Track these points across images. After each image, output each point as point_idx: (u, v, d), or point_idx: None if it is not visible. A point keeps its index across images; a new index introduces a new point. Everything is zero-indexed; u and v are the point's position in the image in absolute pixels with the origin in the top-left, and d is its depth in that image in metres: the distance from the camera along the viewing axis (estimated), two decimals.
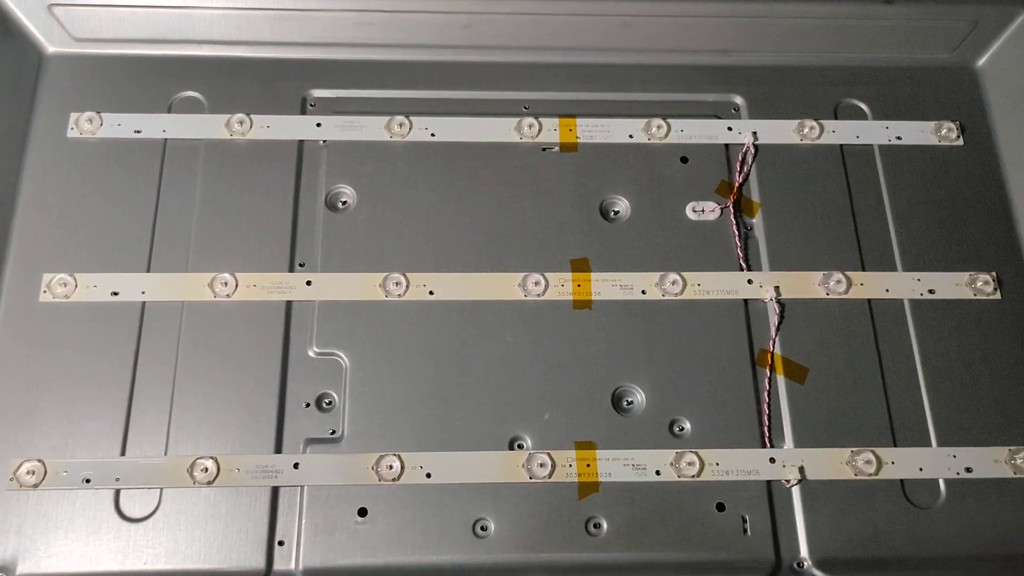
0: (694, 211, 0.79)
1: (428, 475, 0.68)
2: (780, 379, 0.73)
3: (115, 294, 0.73)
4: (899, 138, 0.83)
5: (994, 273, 0.77)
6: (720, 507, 0.69)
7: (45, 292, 0.73)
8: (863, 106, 0.85)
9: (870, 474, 0.69)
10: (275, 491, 0.68)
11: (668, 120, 0.82)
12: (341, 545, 0.66)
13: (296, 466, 0.68)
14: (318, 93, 0.83)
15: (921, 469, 0.70)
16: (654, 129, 0.81)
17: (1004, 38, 0.85)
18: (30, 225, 0.76)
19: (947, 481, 0.70)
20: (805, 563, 0.67)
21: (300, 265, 0.76)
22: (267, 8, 0.81)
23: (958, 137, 0.83)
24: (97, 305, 0.73)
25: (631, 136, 0.82)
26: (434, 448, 0.69)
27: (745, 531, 0.68)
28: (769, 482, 0.70)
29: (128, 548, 0.66)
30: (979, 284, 0.76)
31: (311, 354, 0.72)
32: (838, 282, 0.75)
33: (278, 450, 0.69)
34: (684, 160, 0.81)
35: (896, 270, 0.77)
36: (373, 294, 0.74)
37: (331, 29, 0.82)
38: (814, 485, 0.69)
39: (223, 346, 0.72)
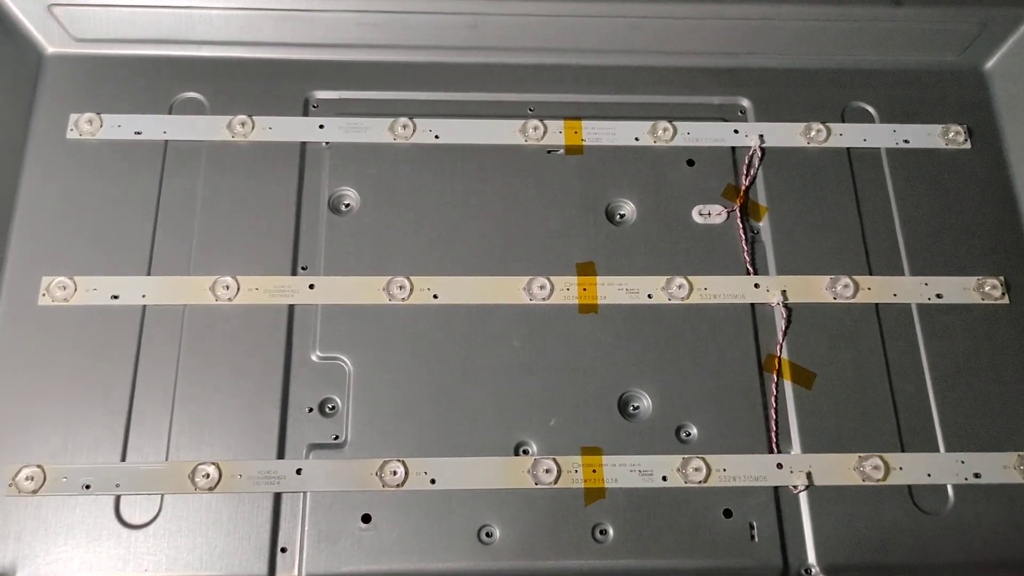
0: (700, 214, 0.78)
1: (432, 481, 0.68)
2: (787, 384, 0.73)
3: (115, 297, 0.73)
4: (906, 141, 0.82)
5: (1002, 277, 0.77)
6: (727, 513, 0.68)
7: (44, 295, 0.72)
8: (870, 109, 0.84)
9: (878, 480, 0.69)
10: (277, 497, 0.67)
11: (674, 123, 0.81)
12: (344, 552, 0.66)
13: (299, 472, 0.68)
14: (321, 94, 0.82)
15: (929, 475, 0.70)
16: (660, 132, 0.81)
17: (1013, 40, 0.84)
18: (29, 227, 0.75)
19: (955, 487, 0.70)
20: (813, 569, 0.67)
21: (303, 268, 0.75)
22: (269, 8, 0.80)
23: (966, 140, 0.82)
24: (97, 308, 0.72)
25: (637, 139, 0.81)
26: (438, 454, 0.69)
27: (752, 537, 0.67)
28: (776, 488, 0.69)
29: (129, 555, 0.65)
30: (987, 288, 0.76)
31: (314, 358, 0.72)
32: (845, 286, 0.75)
33: (280, 456, 0.69)
34: (690, 163, 0.81)
35: (903, 274, 0.77)
36: (377, 298, 0.74)
37: (334, 29, 0.82)
38: (822, 491, 0.69)
39: (225, 350, 0.71)
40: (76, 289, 0.73)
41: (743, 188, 0.79)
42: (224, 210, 0.76)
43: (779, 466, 0.69)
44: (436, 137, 0.80)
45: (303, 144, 0.79)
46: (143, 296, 0.73)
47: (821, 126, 0.82)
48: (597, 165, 0.80)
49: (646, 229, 0.78)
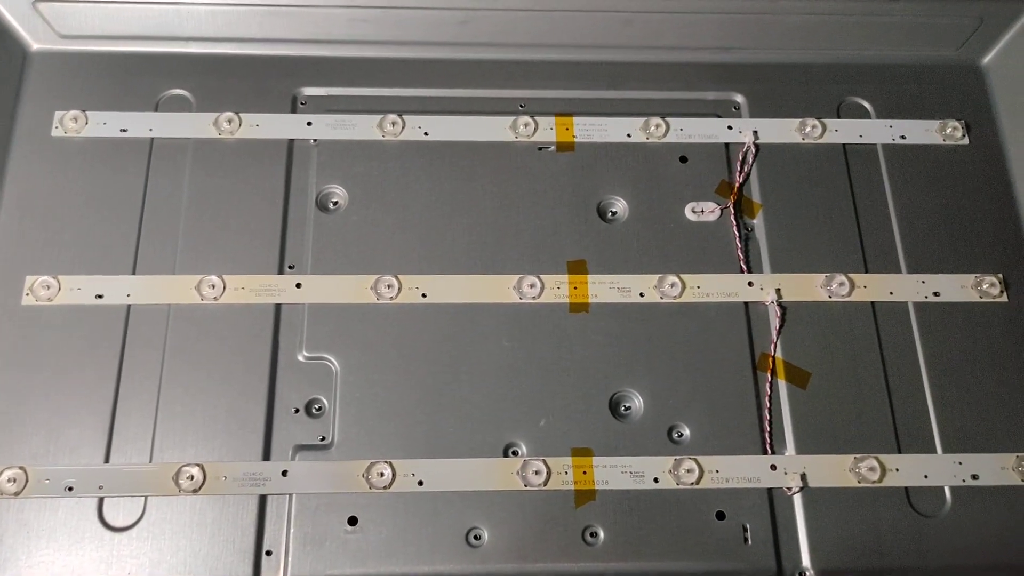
0: (693, 212, 0.77)
1: (420, 483, 0.67)
2: (781, 384, 0.72)
3: (99, 297, 0.72)
4: (903, 137, 0.81)
5: (1000, 275, 0.76)
6: (720, 515, 0.67)
7: (28, 295, 0.72)
8: (866, 104, 0.83)
9: (874, 481, 0.68)
10: (263, 499, 0.66)
11: (667, 119, 0.80)
12: (330, 555, 0.65)
13: (284, 474, 0.67)
14: (309, 91, 0.81)
15: (926, 476, 0.69)
16: (653, 128, 0.80)
17: (1010, 35, 0.83)
18: (13, 226, 0.74)
19: (953, 489, 0.69)
20: (807, 573, 0.66)
21: (290, 267, 0.74)
22: (257, 4, 0.79)
23: (963, 136, 0.81)
24: (81, 308, 0.71)
25: (629, 135, 0.80)
26: (426, 455, 0.68)
27: (746, 540, 0.67)
28: (770, 490, 0.68)
29: (111, 558, 0.64)
30: (985, 286, 0.75)
31: (300, 358, 0.71)
32: (841, 284, 0.74)
33: (266, 457, 0.68)
34: (683, 159, 0.80)
35: (900, 272, 0.76)
36: (364, 297, 0.73)
37: (323, 25, 0.81)
38: (816, 493, 0.68)
39: (210, 350, 0.71)
40: (60, 288, 0.72)
41: (737, 185, 0.79)
42: (210, 208, 0.76)
43: (773, 467, 0.68)
44: (425, 134, 0.79)
45: (291, 141, 0.79)
46: (128, 296, 0.72)
47: (816, 122, 0.81)
48: (589, 162, 0.79)
49: (638, 227, 0.77)
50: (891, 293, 0.75)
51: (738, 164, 0.80)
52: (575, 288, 0.74)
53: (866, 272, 0.76)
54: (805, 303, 0.74)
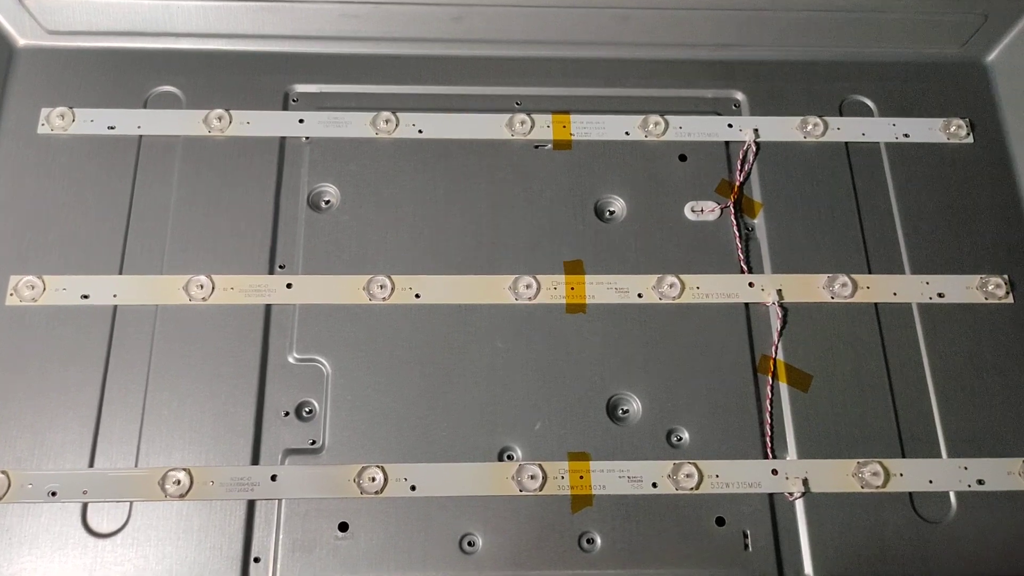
0: (693, 211, 0.76)
1: (413, 488, 0.66)
2: (783, 387, 0.70)
3: (85, 297, 0.70)
4: (906, 135, 0.80)
5: (1006, 276, 0.74)
6: (720, 521, 0.66)
7: (12, 295, 0.70)
8: (869, 102, 0.82)
9: (877, 487, 0.67)
10: (251, 505, 0.65)
11: (666, 116, 0.79)
12: (320, 562, 0.63)
13: (274, 478, 0.65)
14: (301, 88, 0.80)
15: (931, 481, 0.68)
16: (651, 126, 0.79)
17: (1015, 32, 0.82)
18: None
19: (958, 494, 0.68)
20: None
21: (280, 267, 0.73)
22: None
23: (968, 134, 0.80)
24: (66, 309, 0.70)
25: (627, 133, 0.79)
26: (419, 459, 0.67)
27: (746, 547, 0.65)
28: (771, 495, 0.67)
29: (95, 564, 0.63)
30: (990, 287, 0.74)
31: (291, 360, 0.70)
32: (843, 285, 0.73)
33: (255, 461, 0.66)
34: (683, 158, 0.79)
35: (904, 273, 0.75)
36: (356, 297, 0.71)
37: (315, 21, 0.80)
38: (819, 498, 0.67)
39: (198, 352, 0.69)
40: (45, 288, 0.70)
41: (737, 184, 0.77)
42: (199, 207, 0.74)
43: (774, 472, 0.67)
44: (419, 132, 0.78)
45: (282, 139, 0.78)
46: (114, 296, 0.71)
47: (818, 120, 0.80)
48: (586, 160, 0.78)
49: (636, 226, 0.76)
50: (895, 294, 0.73)
51: (738, 163, 0.78)
52: (572, 289, 0.72)
53: (869, 273, 0.74)
54: (807, 304, 0.73)
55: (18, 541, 0.63)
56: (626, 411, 0.70)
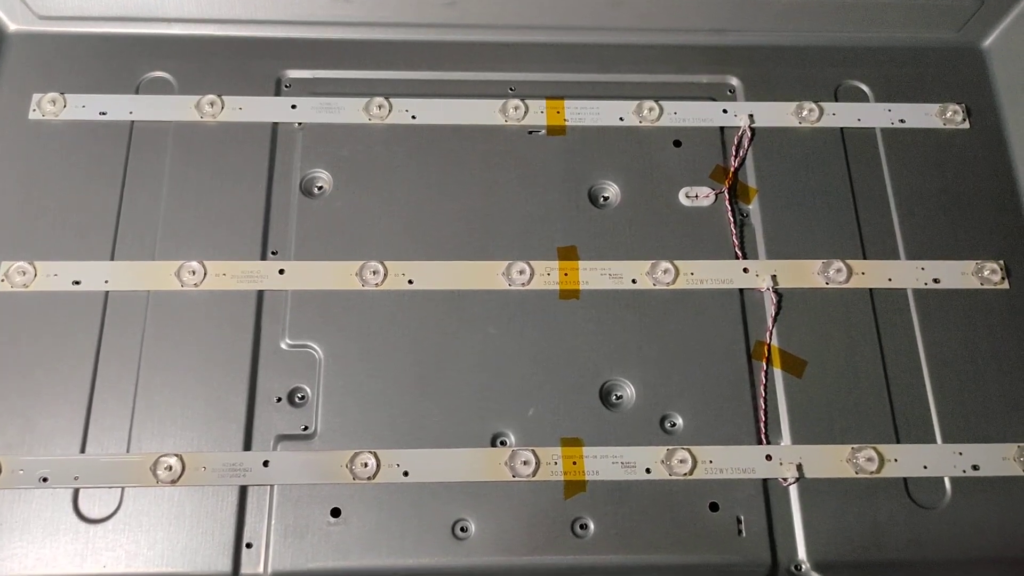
0: (687, 197, 0.76)
1: (405, 473, 0.65)
2: (777, 372, 0.70)
3: (77, 283, 0.70)
4: (902, 121, 0.80)
5: (1002, 261, 0.74)
6: (713, 507, 0.66)
7: (3, 281, 0.70)
8: (865, 88, 0.82)
9: (871, 472, 0.66)
10: (243, 490, 0.65)
11: (661, 102, 0.79)
12: (312, 547, 0.63)
13: (266, 464, 0.65)
14: (293, 73, 0.80)
15: (925, 467, 0.67)
16: (646, 111, 0.78)
17: (1012, 17, 0.82)
18: None
19: (953, 479, 0.67)
20: (803, 566, 0.65)
21: (273, 253, 0.72)
22: None
23: (964, 120, 0.80)
24: (57, 295, 0.70)
25: (622, 119, 0.79)
26: (412, 445, 0.66)
27: (740, 532, 0.65)
28: (765, 481, 0.67)
29: (87, 550, 0.63)
30: (986, 273, 0.73)
31: (283, 346, 0.69)
32: (838, 271, 0.72)
33: (247, 447, 0.66)
34: (677, 144, 0.78)
35: (899, 258, 0.74)
36: (349, 283, 0.71)
37: (307, 6, 0.79)
38: (812, 484, 0.67)
39: (190, 338, 0.69)
40: (36, 274, 0.70)
41: (732, 169, 0.77)
42: (191, 193, 0.74)
43: (768, 458, 0.67)
44: (413, 117, 0.78)
45: (275, 125, 0.77)
46: (106, 282, 0.70)
47: (813, 105, 0.79)
48: (580, 146, 0.78)
49: (631, 212, 0.75)
50: (890, 280, 0.73)
51: (733, 148, 0.78)
52: (566, 274, 0.72)
53: (864, 258, 0.74)
54: (801, 290, 0.73)
55: (9, 527, 0.63)
56: (620, 397, 0.69)
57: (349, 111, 0.77)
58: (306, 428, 0.67)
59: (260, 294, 0.71)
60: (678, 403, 0.69)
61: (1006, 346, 0.71)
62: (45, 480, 0.64)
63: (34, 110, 0.76)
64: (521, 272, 0.72)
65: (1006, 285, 0.73)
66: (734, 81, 0.81)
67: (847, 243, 0.74)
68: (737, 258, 0.74)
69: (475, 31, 0.81)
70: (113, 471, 0.65)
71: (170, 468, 0.64)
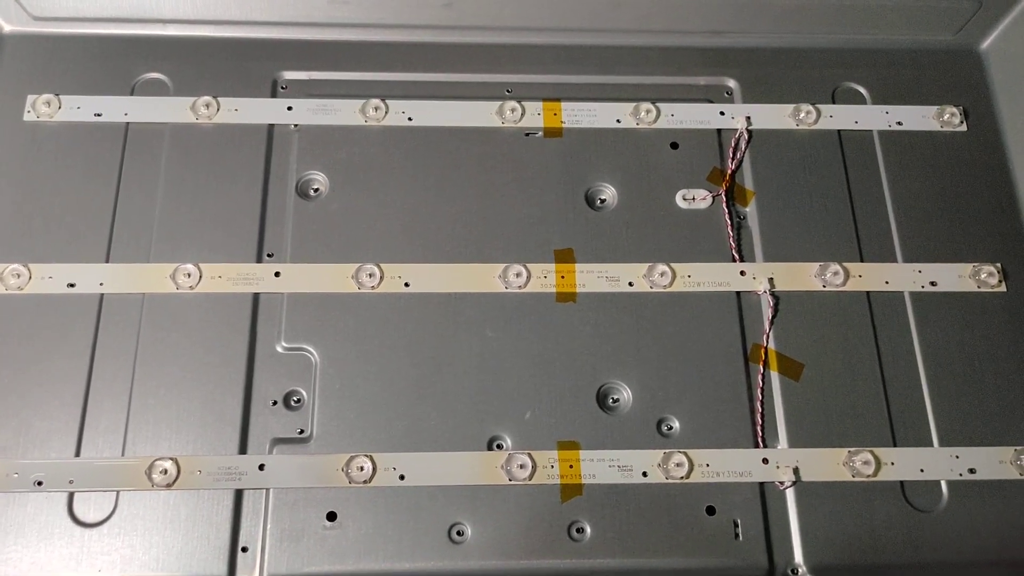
0: (684, 199, 0.76)
1: (401, 477, 0.65)
2: (774, 375, 0.70)
3: (71, 286, 0.70)
4: (900, 123, 0.80)
5: (999, 264, 0.74)
6: (710, 510, 0.65)
7: None
8: (862, 90, 0.82)
9: (868, 475, 0.66)
10: (239, 494, 0.64)
11: (658, 104, 0.79)
12: (308, 551, 0.63)
13: (261, 468, 0.65)
14: (289, 75, 0.79)
15: (922, 470, 0.67)
16: (643, 113, 0.78)
17: (1009, 19, 0.82)
18: None
19: (949, 483, 0.67)
20: (800, 569, 0.65)
21: (268, 255, 0.72)
22: None
23: (961, 122, 0.80)
24: (52, 297, 0.69)
25: (619, 121, 0.78)
26: (408, 449, 0.66)
27: (737, 536, 0.65)
28: (762, 484, 0.67)
29: (82, 555, 0.62)
30: (983, 276, 0.73)
31: (279, 349, 0.69)
32: (835, 274, 0.72)
33: (243, 451, 0.66)
34: (674, 146, 0.78)
35: (896, 261, 0.74)
36: (345, 286, 0.71)
37: (304, 7, 0.79)
38: (809, 487, 0.67)
39: (186, 341, 0.69)
40: (31, 277, 0.70)
41: (729, 172, 0.77)
42: (187, 195, 0.74)
43: (765, 461, 0.67)
44: (409, 119, 0.77)
45: (271, 126, 0.77)
46: (101, 284, 0.70)
47: (811, 107, 0.79)
48: (577, 148, 0.77)
49: (628, 214, 0.75)
50: (887, 283, 0.73)
51: (730, 150, 0.78)
52: (562, 277, 0.72)
53: (861, 261, 0.74)
54: (799, 292, 0.72)
55: (3, 530, 0.63)
56: (616, 400, 0.69)
57: (345, 113, 0.77)
58: (302, 432, 0.67)
59: (256, 297, 0.70)
60: (675, 406, 0.69)
61: (1003, 349, 0.71)
62: (40, 484, 0.64)
63: (29, 111, 0.76)
64: (518, 275, 0.71)
65: (1003, 288, 0.73)
66: (731, 83, 0.81)
67: (844, 246, 0.74)
68: (734, 261, 0.73)
69: (472, 32, 0.81)
70: (108, 475, 0.64)
71: (165, 472, 0.64)
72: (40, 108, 0.76)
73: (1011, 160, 0.79)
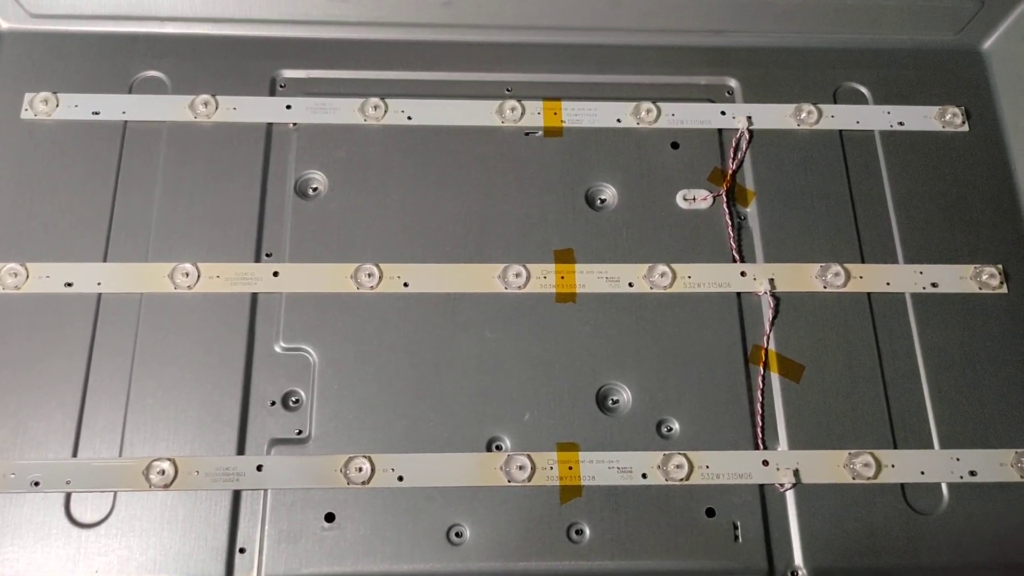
0: (685, 199, 0.75)
1: (400, 478, 0.65)
2: (774, 377, 0.70)
3: (69, 285, 0.69)
4: (901, 123, 0.79)
5: (1000, 266, 0.74)
6: (710, 512, 0.65)
7: None
8: (863, 90, 0.81)
9: (869, 478, 0.66)
10: (237, 495, 0.64)
11: (658, 104, 0.78)
12: (306, 553, 0.63)
13: (259, 468, 0.65)
14: (288, 73, 0.79)
15: (923, 473, 0.67)
16: (643, 113, 0.78)
17: (1011, 19, 0.82)
18: None
19: (950, 485, 0.67)
20: (800, 572, 0.64)
21: (267, 255, 0.72)
22: None
23: (963, 123, 0.80)
24: (50, 297, 0.69)
25: (619, 120, 0.78)
26: (407, 450, 0.66)
27: (736, 538, 0.65)
28: (762, 486, 0.66)
29: (79, 555, 0.62)
30: (984, 277, 0.73)
31: (277, 349, 0.69)
32: (836, 275, 0.72)
33: (241, 451, 0.66)
34: (675, 146, 0.78)
35: (897, 262, 0.74)
36: (344, 286, 0.70)
37: (303, 5, 0.79)
38: (809, 489, 0.66)
39: (183, 341, 0.68)
40: (28, 276, 0.69)
41: (730, 172, 0.77)
42: (185, 194, 0.73)
43: (765, 463, 0.67)
44: (409, 118, 0.77)
45: (269, 125, 0.76)
46: (98, 284, 0.70)
47: (812, 107, 0.79)
48: (577, 148, 0.77)
49: (628, 214, 0.75)
50: (888, 284, 0.73)
51: (731, 150, 0.77)
52: (562, 278, 0.72)
53: (862, 262, 0.74)
54: (799, 294, 0.72)
55: (0, 531, 0.62)
56: (616, 401, 0.69)
57: (344, 112, 0.77)
58: (300, 432, 0.66)
59: (254, 296, 0.70)
60: (675, 408, 0.68)
61: (1004, 351, 0.71)
62: (37, 484, 0.64)
63: (26, 109, 0.75)
64: (517, 275, 0.71)
65: (1005, 290, 0.73)
66: (732, 83, 0.81)
67: (845, 246, 0.74)
68: (735, 261, 0.73)
69: (471, 31, 0.81)
70: (105, 475, 0.64)
71: (163, 472, 0.64)
72: (38, 106, 0.75)
73: (1013, 161, 0.78)
